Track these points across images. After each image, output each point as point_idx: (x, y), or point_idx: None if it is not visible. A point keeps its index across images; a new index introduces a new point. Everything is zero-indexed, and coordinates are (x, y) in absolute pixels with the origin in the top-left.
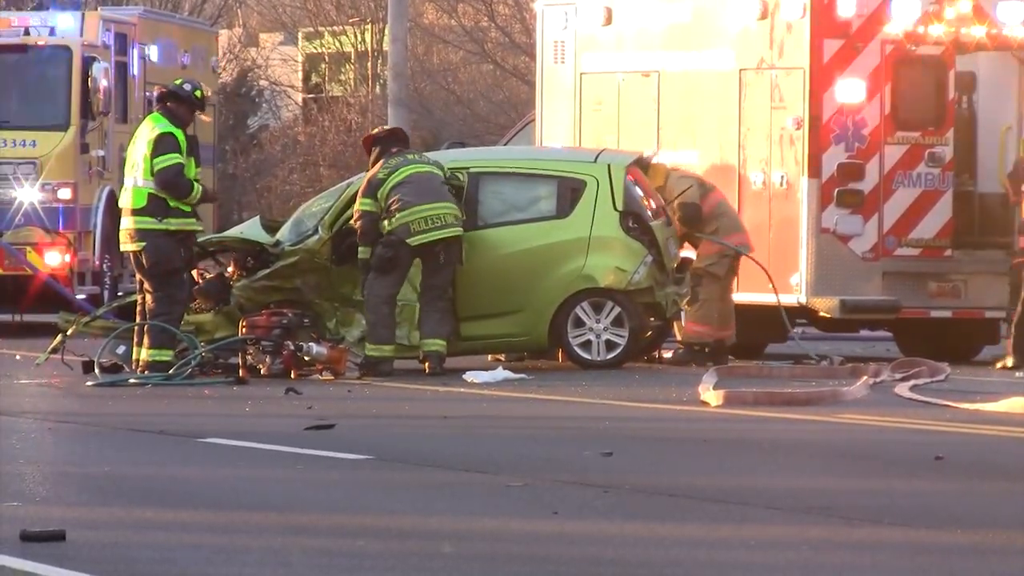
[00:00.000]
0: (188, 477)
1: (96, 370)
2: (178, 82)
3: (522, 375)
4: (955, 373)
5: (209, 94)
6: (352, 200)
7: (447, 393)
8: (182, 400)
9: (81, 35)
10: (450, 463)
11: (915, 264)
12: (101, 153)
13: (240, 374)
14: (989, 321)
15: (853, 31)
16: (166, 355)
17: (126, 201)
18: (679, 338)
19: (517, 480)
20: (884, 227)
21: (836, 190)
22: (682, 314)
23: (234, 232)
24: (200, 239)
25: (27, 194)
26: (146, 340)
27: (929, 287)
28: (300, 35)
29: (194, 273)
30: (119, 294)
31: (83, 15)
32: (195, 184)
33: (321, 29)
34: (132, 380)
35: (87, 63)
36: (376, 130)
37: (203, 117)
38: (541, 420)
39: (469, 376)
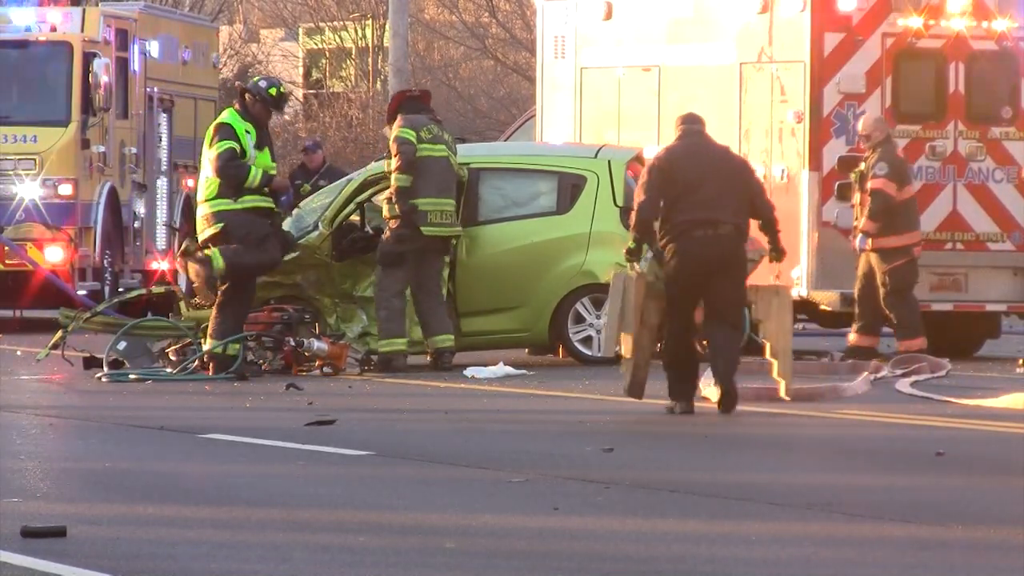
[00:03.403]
0: (189, 473)
1: (104, 366)
2: (255, 79)
3: (523, 371)
4: (956, 368)
5: (290, 91)
6: (352, 197)
7: (448, 389)
8: (183, 396)
9: (82, 31)
10: (451, 459)
11: None
12: (102, 149)
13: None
14: (990, 315)
15: (854, 24)
16: (232, 349)
17: (199, 193)
18: None
19: (518, 476)
20: None
21: (837, 183)
22: None
23: None
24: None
25: (28, 190)
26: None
27: (930, 280)
28: (301, 31)
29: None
30: (120, 290)
31: (84, 11)
32: (252, 168)
33: (322, 25)
34: (132, 376)
35: (88, 59)
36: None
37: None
38: (542, 416)
39: (470, 372)
